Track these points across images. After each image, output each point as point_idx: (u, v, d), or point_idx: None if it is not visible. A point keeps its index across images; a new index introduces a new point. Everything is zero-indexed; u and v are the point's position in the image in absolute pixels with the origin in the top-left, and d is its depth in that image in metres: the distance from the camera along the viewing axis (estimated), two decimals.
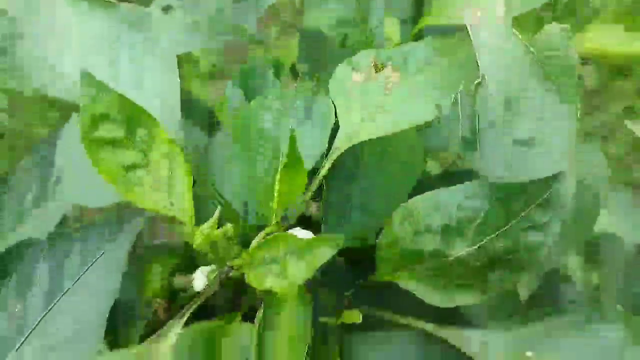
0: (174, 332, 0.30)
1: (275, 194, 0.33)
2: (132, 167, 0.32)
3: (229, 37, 0.57)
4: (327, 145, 0.39)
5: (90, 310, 0.39)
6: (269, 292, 0.36)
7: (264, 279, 0.31)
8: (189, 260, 0.50)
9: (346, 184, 0.41)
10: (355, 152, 0.42)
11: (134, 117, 0.31)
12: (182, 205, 0.32)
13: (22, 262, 0.40)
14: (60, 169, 0.49)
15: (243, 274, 0.35)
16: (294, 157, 0.31)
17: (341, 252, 0.43)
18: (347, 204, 0.40)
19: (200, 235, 0.31)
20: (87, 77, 0.30)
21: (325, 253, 0.28)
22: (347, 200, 0.40)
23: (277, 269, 0.30)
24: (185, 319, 0.31)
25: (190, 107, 0.58)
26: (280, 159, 0.40)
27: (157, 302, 0.46)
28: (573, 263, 0.66)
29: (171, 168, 0.32)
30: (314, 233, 0.34)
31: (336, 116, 0.39)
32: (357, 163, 0.42)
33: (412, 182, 0.41)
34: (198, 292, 0.38)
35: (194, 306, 0.32)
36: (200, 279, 0.41)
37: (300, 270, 0.29)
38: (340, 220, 0.40)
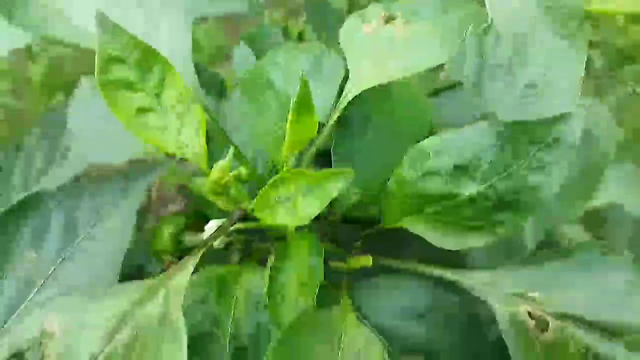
0: (188, 268, 0.31)
1: (287, 138, 0.33)
2: (145, 109, 0.33)
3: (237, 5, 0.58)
4: (336, 99, 0.40)
5: (103, 260, 0.39)
6: (280, 239, 0.37)
7: (276, 217, 0.31)
8: (199, 219, 0.51)
9: (355, 139, 0.42)
10: (364, 110, 0.43)
11: (147, 59, 0.32)
12: (195, 146, 0.33)
13: (36, 212, 0.41)
14: (72, 131, 0.50)
15: (253, 219, 0.36)
16: (305, 101, 0.32)
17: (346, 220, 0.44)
18: (356, 156, 0.41)
19: (214, 175, 0.32)
20: (102, 19, 0.31)
21: (335, 187, 0.29)
22: (356, 152, 0.41)
23: (289, 206, 0.31)
24: (198, 257, 0.32)
25: (200, 76, 0.58)
26: (290, 111, 0.40)
27: (167, 258, 0.47)
28: (575, 233, 0.66)
29: (184, 111, 0.33)
30: None
31: (346, 69, 0.40)
32: (366, 121, 0.43)
33: (419, 139, 0.42)
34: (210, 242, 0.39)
35: (205, 247, 0.33)
36: (211, 228, 0.42)
37: (311, 206, 0.30)
38: None
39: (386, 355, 0.32)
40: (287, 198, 0.31)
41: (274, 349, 0.30)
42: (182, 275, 0.30)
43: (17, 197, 0.53)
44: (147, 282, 0.30)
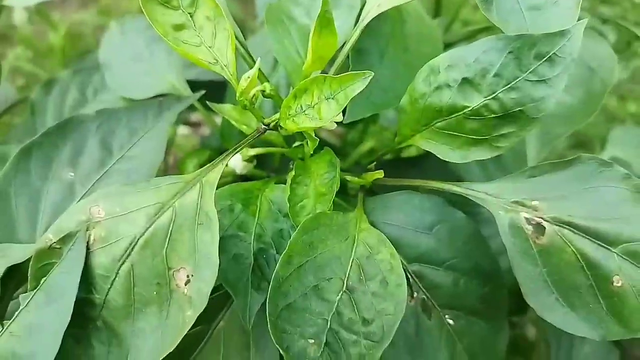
0: (219, 167, 0.34)
1: (309, 56, 0.36)
2: (180, 26, 0.35)
3: None
4: (353, 25, 0.42)
5: (137, 178, 0.42)
6: (300, 155, 0.40)
7: (299, 123, 0.34)
8: (221, 154, 0.54)
9: (371, 68, 0.44)
10: (380, 43, 0.45)
11: None
12: (224, 61, 0.36)
13: (74, 134, 0.44)
14: (104, 67, 0.53)
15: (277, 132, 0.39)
16: (326, 18, 0.34)
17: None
18: (372, 84, 0.43)
19: (243, 84, 0.35)
20: None
21: (354, 89, 0.32)
22: (372, 81, 0.43)
23: (311, 113, 0.34)
24: (227, 160, 0.35)
25: None
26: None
27: None
28: None
29: (215, 29, 0.36)
30: None
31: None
32: (381, 56, 0.45)
33: None
34: None
35: (235, 151, 0.36)
36: (237, 160, 0.45)
37: (332, 110, 0.33)
38: (363, 97, 0.43)
39: (394, 251, 0.35)
40: (309, 105, 0.34)
41: (292, 240, 0.33)
42: (215, 172, 0.33)
43: None
44: (184, 177, 0.33)
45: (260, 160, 0.48)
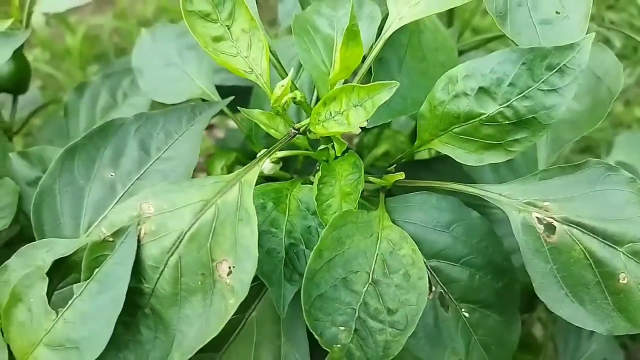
0: (256, 168, 0.37)
1: (336, 66, 0.39)
2: (219, 38, 0.39)
3: None
4: (376, 38, 0.46)
5: (174, 178, 0.46)
6: (324, 157, 0.43)
7: (329, 128, 0.37)
8: (249, 155, 0.58)
9: (390, 79, 0.47)
10: (399, 53, 0.48)
11: None
12: (259, 70, 0.39)
13: (114, 136, 0.47)
14: (136, 72, 0.56)
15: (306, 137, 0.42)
16: (353, 31, 0.38)
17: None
18: None
19: (277, 92, 0.38)
20: None
21: (380, 97, 0.35)
22: None
23: (340, 119, 0.37)
24: (263, 162, 0.38)
25: None
26: (334, 49, 0.46)
27: None
28: None
29: (250, 41, 0.39)
30: None
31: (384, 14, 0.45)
32: (400, 65, 0.48)
33: None
34: None
35: (270, 153, 0.39)
36: (265, 162, 0.48)
37: (360, 116, 0.36)
38: (384, 104, 0.46)
39: (416, 247, 0.39)
40: (337, 112, 0.37)
41: (323, 235, 0.37)
42: (252, 173, 0.36)
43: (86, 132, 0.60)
44: (225, 177, 0.36)
45: (283, 162, 0.51)
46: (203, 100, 0.55)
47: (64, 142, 0.67)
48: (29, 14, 0.69)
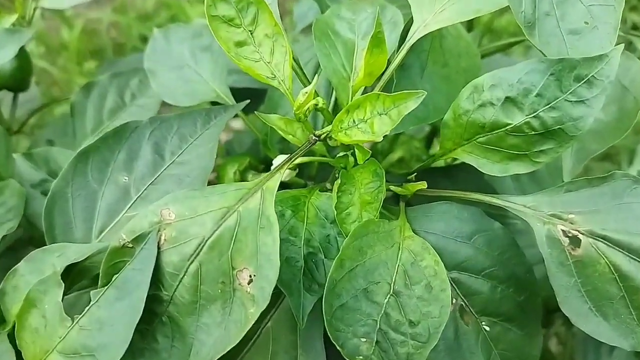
0: (277, 175, 0.39)
1: (361, 72, 0.41)
2: (242, 43, 0.40)
3: None
4: (398, 44, 0.47)
5: (189, 182, 0.47)
6: (343, 164, 0.45)
7: (352, 136, 0.39)
8: (261, 160, 0.59)
9: (412, 85, 0.49)
10: (421, 61, 0.50)
11: None
12: (281, 76, 0.40)
13: (128, 140, 0.49)
14: (149, 72, 0.58)
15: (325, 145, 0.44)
16: (378, 38, 0.39)
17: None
18: None
19: (300, 99, 0.39)
20: None
21: (407, 107, 0.36)
22: None
23: (364, 127, 0.39)
24: (284, 169, 0.40)
25: None
26: (355, 54, 0.48)
27: None
28: None
29: (273, 46, 0.41)
30: None
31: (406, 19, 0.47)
32: (422, 71, 0.50)
33: None
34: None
35: (291, 160, 0.41)
36: (278, 161, 0.49)
37: (384, 125, 0.38)
38: None
39: (438, 258, 0.40)
40: (361, 120, 0.39)
41: (344, 245, 0.38)
42: (274, 180, 0.38)
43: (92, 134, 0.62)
44: (247, 184, 0.38)
45: (298, 169, 0.53)
46: (216, 103, 0.56)
47: (66, 142, 0.69)
48: (34, 10, 0.70)
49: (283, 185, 0.50)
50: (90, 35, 1.61)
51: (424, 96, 0.36)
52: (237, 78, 0.66)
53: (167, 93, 0.56)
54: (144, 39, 1.50)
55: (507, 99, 0.40)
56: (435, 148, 0.82)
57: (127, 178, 0.48)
